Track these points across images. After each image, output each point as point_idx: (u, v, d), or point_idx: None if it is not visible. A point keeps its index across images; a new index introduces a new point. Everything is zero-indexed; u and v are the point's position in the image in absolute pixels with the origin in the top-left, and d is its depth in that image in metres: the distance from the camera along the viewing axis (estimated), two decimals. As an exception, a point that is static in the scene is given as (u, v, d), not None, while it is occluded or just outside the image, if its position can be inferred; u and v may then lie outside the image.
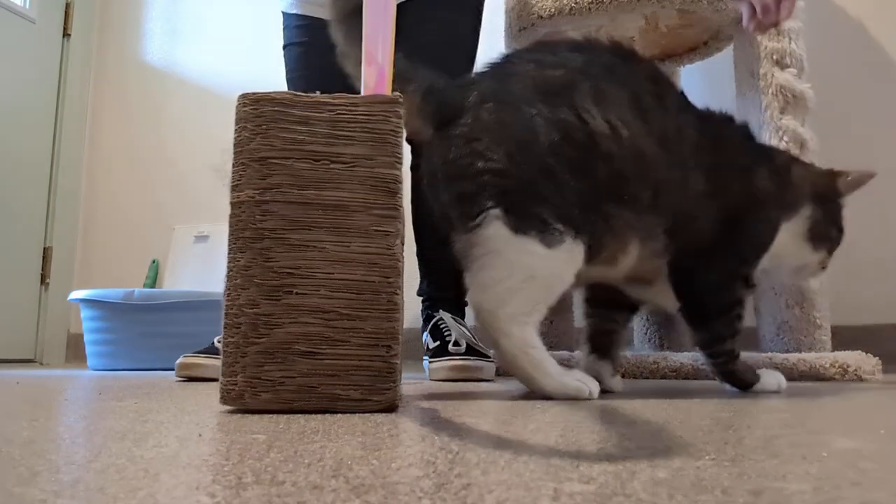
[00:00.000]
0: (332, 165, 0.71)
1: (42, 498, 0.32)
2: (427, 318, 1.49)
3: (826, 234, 0.99)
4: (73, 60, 2.59)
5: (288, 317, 0.68)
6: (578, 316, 1.67)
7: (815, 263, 1.00)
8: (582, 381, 0.83)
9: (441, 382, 1.25)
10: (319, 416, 0.65)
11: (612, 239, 0.85)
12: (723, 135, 0.95)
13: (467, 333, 1.39)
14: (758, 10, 1.22)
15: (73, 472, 0.39)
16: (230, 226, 0.71)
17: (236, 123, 0.72)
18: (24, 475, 0.37)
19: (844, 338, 1.44)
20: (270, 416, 0.65)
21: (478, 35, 1.48)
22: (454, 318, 1.44)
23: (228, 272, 0.70)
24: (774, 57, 1.44)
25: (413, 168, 1.52)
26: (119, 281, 2.34)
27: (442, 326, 1.41)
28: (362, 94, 0.78)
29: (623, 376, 1.34)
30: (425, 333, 1.47)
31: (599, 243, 0.84)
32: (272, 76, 1.59)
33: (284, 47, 1.53)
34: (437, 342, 1.39)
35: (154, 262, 2.43)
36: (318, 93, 0.73)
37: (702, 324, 0.94)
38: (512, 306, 0.81)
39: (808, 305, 1.38)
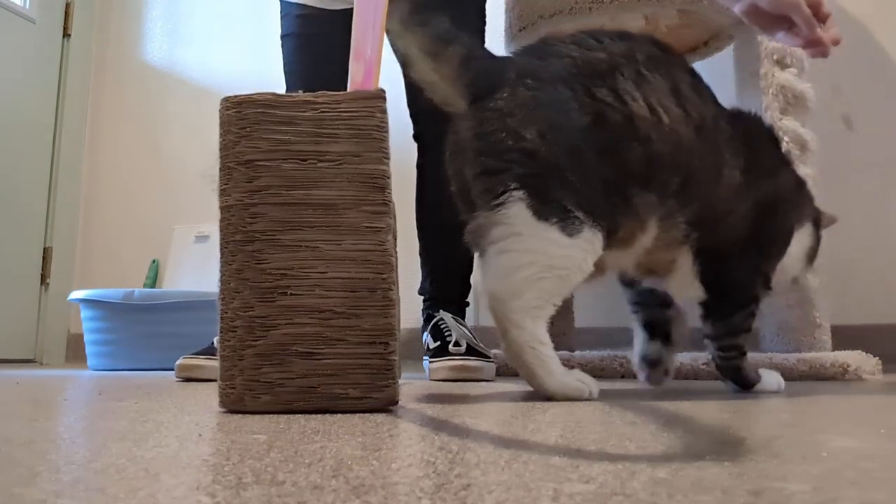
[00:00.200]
0: (319, 164, 0.70)
1: (42, 498, 0.32)
2: (427, 318, 1.49)
3: (814, 256, 1.02)
4: (73, 60, 2.58)
5: (283, 318, 0.68)
6: (579, 316, 1.67)
7: (797, 281, 1.02)
8: (582, 382, 0.83)
9: (441, 382, 1.25)
10: (319, 416, 0.65)
11: (631, 219, 0.85)
12: (754, 132, 0.97)
13: (468, 334, 1.39)
14: (802, 27, 1.00)
15: (73, 472, 0.39)
16: (220, 230, 0.70)
17: (220, 127, 0.72)
18: (24, 475, 0.37)
19: (844, 338, 1.44)
20: (270, 416, 0.65)
21: (483, 35, 1.48)
22: (455, 318, 1.44)
23: (221, 276, 0.70)
24: (775, 57, 1.44)
25: (419, 167, 1.53)
26: (119, 281, 2.34)
27: (442, 326, 1.41)
28: (349, 89, 0.77)
29: (622, 377, 1.34)
30: (426, 333, 1.47)
31: (617, 224, 0.84)
32: (272, 76, 1.59)
33: (282, 37, 1.51)
34: (438, 342, 1.39)
35: (154, 262, 2.43)
36: (300, 91, 0.73)
37: (721, 316, 0.95)
38: (526, 298, 0.80)
39: (808, 305, 1.37)
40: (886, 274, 1.76)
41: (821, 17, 1.01)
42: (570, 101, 0.82)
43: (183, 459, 0.42)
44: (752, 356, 1.29)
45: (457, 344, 1.35)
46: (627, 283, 1.02)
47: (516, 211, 0.79)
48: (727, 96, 1.52)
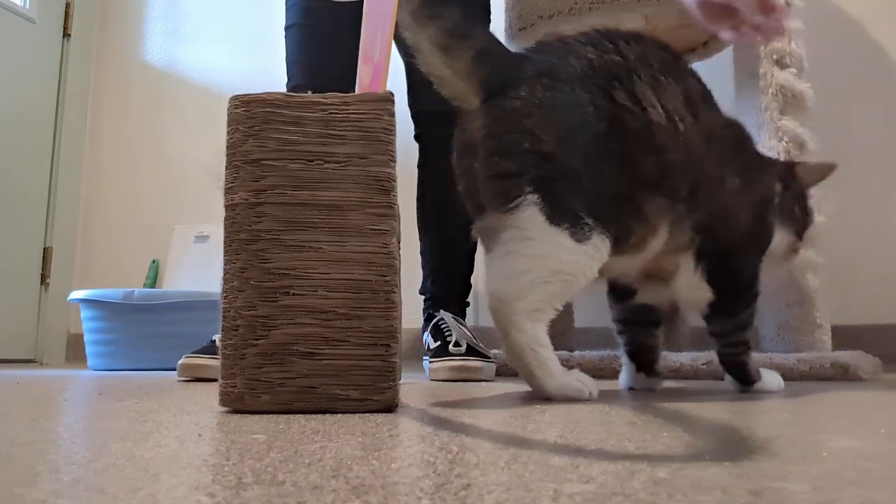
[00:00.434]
0: (325, 165, 0.70)
1: (42, 498, 0.32)
2: (428, 318, 1.49)
3: (791, 211, 1.00)
4: (73, 60, 2.59)
5: (285, 318, 0.68)
6: (579, 316, 1.67)
7: (785, 246, 1.01)
8: (582, 382, 0.83)
9: (441, 383, 1.25)
10: (319, 416, 0.65)
11: (643, 225, 0.85)
12: (743, 136, 0.98)
13: (468, 334, 1.39)
14: (746, 13, 1.03)
15: (73, 472, 0.39)
16: (225, 228, 0.70)
17: (228, 126, 0.72)
18: (24, 475, 0.37)
19: (844, 338, 1.44)
20: (270, 416, 0.65)
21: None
22: (455, 318, 1.44)
23: (225, 275, 0.70)
24: (774, 57, 1.44)
25: (420, 167, 1.53)
26: (119, 281, 2.34)
27: (443, 326, 1.41)
28: (357, 91, 0.78)
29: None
30: (426, 333, 1.47)
31: (627, 231, 0.84)
32: (272, 76, 1.59)
33: (286, 28, 1.50)
34: (438, 342, 1.39)
35: (154, 262, 2.43)
36: (309, 92, 0.73)
37: (729, 314, 0.95)
38: (530, 300, 0.80)
39: (808, 305, 1.37)
40: (886, 274, 1.76)
41: (769, 8, 1.02)
42: (587, 105, 0.81)
43: (183, 459, 0.42)
44: (753, 356, 1.29)
45: (457, 344, 1.35)
46: (618, 297, 1.01)
47: (529, 215, 0.79)
48: (726, 96, 1.53)
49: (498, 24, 1.60)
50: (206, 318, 1.74)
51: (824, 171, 1.04)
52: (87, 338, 1.92)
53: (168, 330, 1.82)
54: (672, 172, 0.84)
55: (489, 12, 1.52)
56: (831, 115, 1.58)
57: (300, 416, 0.65)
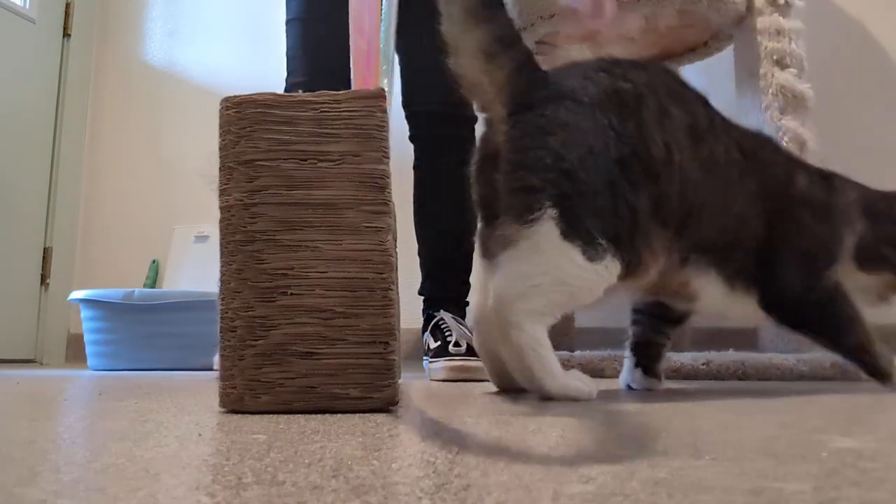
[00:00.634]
0: (319, 164, 0.70)
1: (42, 498, 0.32)
2: (428, 318, 1.49)
3: (878, 251, 1.02)
4: (73, 60, 2.59)
5: (283, 318, 0.68)
6: (579, 316, 1.67)
7: (883, 285, 1.04)
8: (582, 382, 0.83)
9: (441, 383, 1.25)
10: (319, 416, 0.65)
11: (650, 254, 0.86)
12: (763, 150, 0.98)
13: (468, 334, 1.39)
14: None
15: (73, 472, 0.39)
16: (220, 230, 0.70)
17: (220, 128, 0.72)
18: (24, 475, 0.37)
19: (844, 338, 1.43)
20: (270, 416, 0.65)
21: None
22: (455, 318, 1.44)
23: (221, 276, 0.70)
24: (774, 57, 1.44)
25: (415, 168, 1.53)
26: (119, 281, 2.34)
27: (443, 326, 1.41)
28: (353, 62, 0.77)
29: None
30: (426, 333, 1.47)
31: (638, 259, 0.85)
32: (273, 76, 1.59)
33: (287, 22, 1.50)
34: (438, 342, 1.39)
35: (154, 262, 2.43)
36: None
37: (831, 347, 0.99)
38: (533, 303, 0.81)
39: (809, 305, 1.37)
40: (886, 274, 1.76)
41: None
42: (607, 129, 0.82)
43: (183, 459, 0.42)
44: (752, 356, 1.30)
45: (457, 344, 1.35)
46: None
47: (546, 229, 0.80)
48: (727, 96, 1.53)
49: (498, 24, 1.60)
50: (206, 318, 1.73)
51: None
52: (87, 338, 1.92)
53: (168, 330, 1.82)
54: (667, 201, 0.85)
55: None
56: (831, 115, 1.58)
57: (300, 416, 0.65)
